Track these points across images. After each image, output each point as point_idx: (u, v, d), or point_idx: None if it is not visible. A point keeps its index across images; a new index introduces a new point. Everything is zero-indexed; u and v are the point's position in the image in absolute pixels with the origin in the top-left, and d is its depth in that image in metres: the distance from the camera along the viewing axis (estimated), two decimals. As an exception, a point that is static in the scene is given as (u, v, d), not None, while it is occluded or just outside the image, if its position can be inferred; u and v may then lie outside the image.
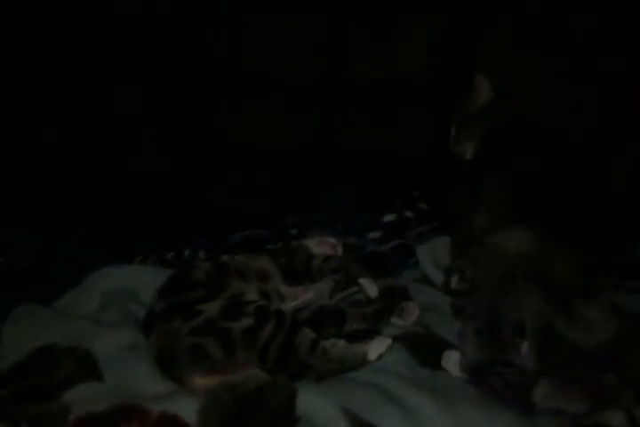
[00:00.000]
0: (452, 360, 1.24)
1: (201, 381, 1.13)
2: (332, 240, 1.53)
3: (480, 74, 1.50)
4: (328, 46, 2.41)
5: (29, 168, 2.49)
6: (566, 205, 1.32)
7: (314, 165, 2.65)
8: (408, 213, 1.72)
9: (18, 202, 1.94)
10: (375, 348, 1.20)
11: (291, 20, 2.37)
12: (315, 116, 2.50)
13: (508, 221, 1.29)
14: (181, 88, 2.46)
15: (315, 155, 2.61)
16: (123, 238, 1.75)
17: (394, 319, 1.32)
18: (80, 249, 1.69)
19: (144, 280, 1.42)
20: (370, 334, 1.27)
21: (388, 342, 1.22)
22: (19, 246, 1.65)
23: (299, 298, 1.36)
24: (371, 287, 1.40)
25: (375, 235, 1.70)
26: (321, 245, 1.50)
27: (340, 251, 1.52)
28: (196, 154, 2.57)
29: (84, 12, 2.33)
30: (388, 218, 1.74)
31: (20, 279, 1.52)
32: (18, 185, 2.26)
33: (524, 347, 1.17)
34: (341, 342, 1.21)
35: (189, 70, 2.42)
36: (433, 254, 1.55)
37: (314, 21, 2.36)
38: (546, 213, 1.29)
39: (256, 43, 2.46)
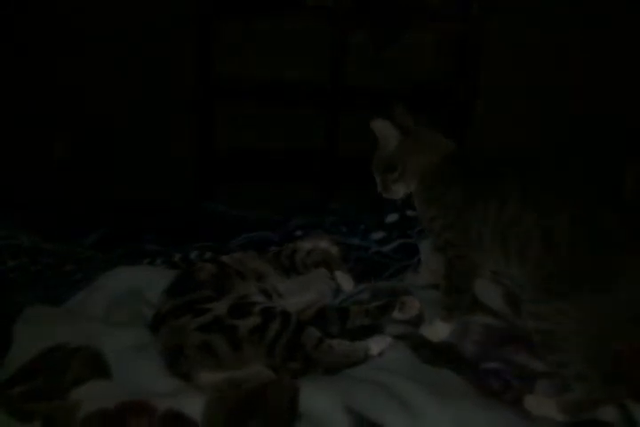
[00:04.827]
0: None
1: (208, 377, 1.15)
2: (326, 241, 1.56)
3: (377, 118, 1.37)
4: (330, 55, 2.45)
5: (42, 175, 2.54)
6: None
7: (316, 169, 2.68)
8: (409, 212, 1.72)
9: (31, 208, 1.98)
10: (377, 344, 1.24)
11: (293, 28, 2.41)
12: (316, 122, 2.53)
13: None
14: (184, 97, 2.51)
15: (317, 159, 2.64)
16: (132, 241, 1.78)
17: (395, 313, 1.34)
18: (90, 252, 1.72)
19: (152, 281, 1.45)
20: (372, 330, 1.30)
21: (389, 339, 1.26)
22: (30, 250, 1.68)
23: (296, 295, 1.39)
24: (346, 281, 1.46)
25: (378, 235, 1.73)
26: (314, 245, 1.54)
27: (334, 251, 1.54)
28: (202, 161, 2.60)
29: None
30: (391, 218, 1.76)
31: (31, 282, 1.55)
32: (30, 191, 2.30)
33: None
34: (346, 342, 1.24)
35: (191, 78, 2.46)
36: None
37: (316, 29, 2.40)
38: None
39: (258, 51, 2.50)
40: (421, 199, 1.40)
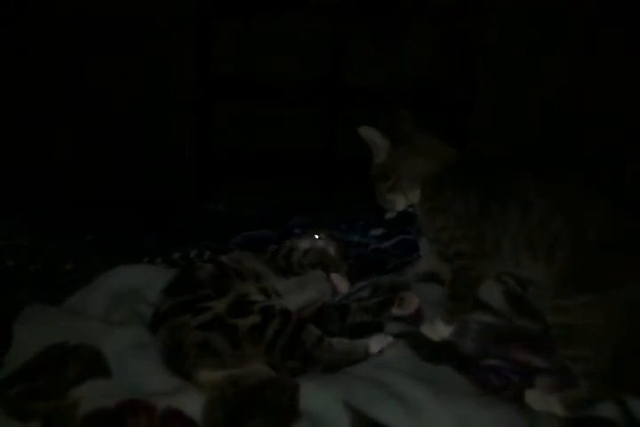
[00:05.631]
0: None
1: (208, 375, 1.15)
2: (324, 237, 1.56)
3: (361, 126, 1.32)
4: (330, 55, 2.45)
5: (42, 175, 2.54)
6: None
7: (316, 169, 2.69)
8: (409, 209, 1.72)
9: (31, 208, 1.98)
10: (376, 342, 1.24)
11: (293, 28, 2.41)
12: (316, 122, 2.54)
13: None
14: (184, 97, 2.51)
15: (317, 159, 2.65)
16: (131, 240, 1.78)
17: (394, 309, 1.35)
18: (91, 251, 1.72)
19: (152, 280, 1.45)
20: (372, 329, 1.30)
21: (390, 339, 1.25)
22: (30, 250, 1.68)
23: (296, 293, 1.38)
24: (341, 283, 1.46)
25: (377, 232, 1.74)
26: (312, 243, 1.54)
27: (333, 248, 1.54)
28: (202, 161, 2.60)
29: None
30: (390, 215, 1.76)
31: (30, 281, 1.55)
32: (30, 191, 2.30)
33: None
34: (346, 340, 1.24)
35: (191, 78, 2.46)
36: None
37: (315, 29, 2.41)
38: None
39: (258, 51, 2.50)
40: (425, 210, 1.36)
